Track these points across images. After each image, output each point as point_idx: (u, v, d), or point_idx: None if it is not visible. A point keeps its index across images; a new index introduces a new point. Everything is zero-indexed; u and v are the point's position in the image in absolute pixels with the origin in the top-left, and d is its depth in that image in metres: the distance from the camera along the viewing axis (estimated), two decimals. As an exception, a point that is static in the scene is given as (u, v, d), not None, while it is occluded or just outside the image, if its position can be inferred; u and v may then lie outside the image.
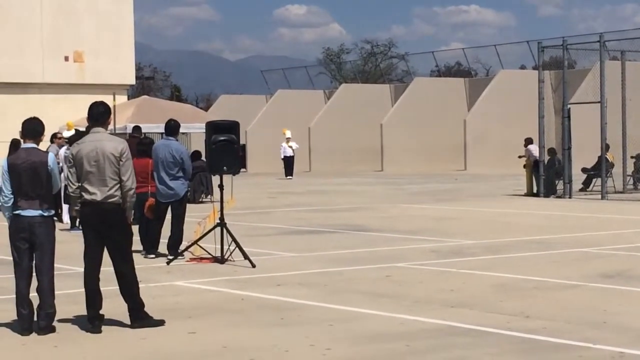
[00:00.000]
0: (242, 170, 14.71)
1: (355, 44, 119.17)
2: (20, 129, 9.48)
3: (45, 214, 9.05)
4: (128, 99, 41.10)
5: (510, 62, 63.06)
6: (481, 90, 49.58)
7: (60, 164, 18.90)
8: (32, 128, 9.24)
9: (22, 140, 9.43)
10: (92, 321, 9.03)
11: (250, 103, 57.45)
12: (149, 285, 11.37)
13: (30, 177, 9.00)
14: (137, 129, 23.28)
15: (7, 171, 9.07)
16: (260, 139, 51.80)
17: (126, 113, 30.15)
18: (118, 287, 9.29)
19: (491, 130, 46.96)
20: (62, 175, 17.59)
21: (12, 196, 9.04)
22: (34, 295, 9.05)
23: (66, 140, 20.96)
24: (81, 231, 9.36)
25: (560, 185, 27.28)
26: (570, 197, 26.66)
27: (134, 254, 9.49)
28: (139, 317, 9.17)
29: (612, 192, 27.37)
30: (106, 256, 9.26)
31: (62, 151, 19.96)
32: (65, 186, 16.82)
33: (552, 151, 28.01)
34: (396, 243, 16.27)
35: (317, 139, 51.73)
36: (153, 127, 27.22)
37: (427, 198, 27.77)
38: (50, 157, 9.18)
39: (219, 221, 13.68)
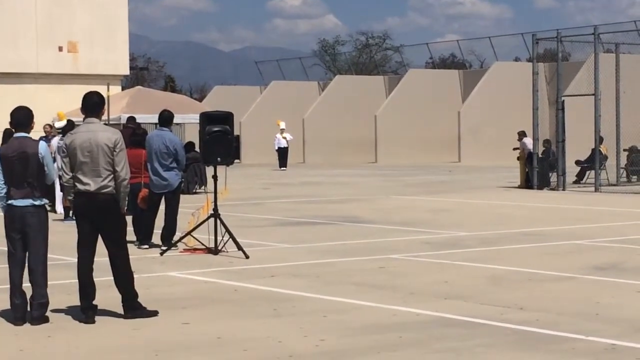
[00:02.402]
0: (236, 161, 14.69)
1: (351, 35, 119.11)
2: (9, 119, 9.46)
3: (37, 203, 9.02)
4: (122, 90, 40.98)
5: (505, 54, 63.00)
6: (475, 82, 49.57)
7: (53, 154, 18.86)
8: (22, 117, 9.21)
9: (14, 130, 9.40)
10: (86, 311, 9.03)
11: (245, 94, 57.38)
12: (143, 275, 11.36)
13: (22, 167, 8.97)
14: (131, 119, 23.27)
15: (-1, 161, 9.05)
16: (255, 130, 51.77)
17: (120, 103, 30.05)
18: (112, 277, 9.29)
19: (485, 122, 46.95)
20: (55, 165, 17.60)
21: (4, 186, 9.03)
22: (27, 286, 9.05)
23: (58, 130, 20.88)
24: (75, 221, 9.35)
25: (553, 178, 27.32)
26: (563, 190, 26.69)
27: (127, 245, 9.49)
28: (133, 308, 9.17)
29: (606, 184, 27.42)
30: (100, 247, 9.25)
31: (55, 141, 19.91)
32: (59, 176, 16.80)
33: (547, 142, 28.05)
34: (390, 234, 16.28)
35: (311, 131, 51.68)
36: (147, 118, 27.13)
37: (421, 190, 27.78)
38: (42, 145, 9.14)
39: (212, 212, 13.68)
